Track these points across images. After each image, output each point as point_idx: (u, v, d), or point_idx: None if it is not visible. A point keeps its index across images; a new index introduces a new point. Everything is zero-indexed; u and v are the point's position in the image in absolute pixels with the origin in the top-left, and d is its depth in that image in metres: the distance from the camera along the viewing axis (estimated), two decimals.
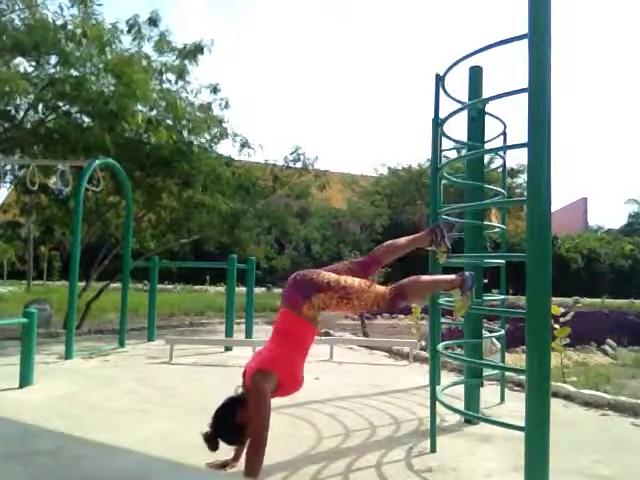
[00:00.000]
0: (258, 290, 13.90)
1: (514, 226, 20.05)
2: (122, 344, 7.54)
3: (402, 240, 3.16)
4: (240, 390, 2.74)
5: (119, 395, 4.65)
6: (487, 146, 4.38)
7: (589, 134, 74.46)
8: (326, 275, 2.73)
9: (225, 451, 2.76)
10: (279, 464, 3.03)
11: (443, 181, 4.19)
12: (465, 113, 4.13)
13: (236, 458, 2.82)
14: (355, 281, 2.75)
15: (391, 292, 2.75)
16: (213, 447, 2.58)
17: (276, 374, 2.60)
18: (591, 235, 31.63)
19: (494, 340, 5.99)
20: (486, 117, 4.23)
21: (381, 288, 2.78)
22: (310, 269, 2.88)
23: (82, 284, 8.57)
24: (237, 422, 2.57)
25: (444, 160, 4.91)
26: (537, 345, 2.56)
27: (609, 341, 8.08)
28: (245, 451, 2.55)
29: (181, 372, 5.79)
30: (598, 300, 19.22)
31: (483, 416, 3.84)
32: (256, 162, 10.71)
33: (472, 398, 4.05)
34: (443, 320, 5.60)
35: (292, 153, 10.40)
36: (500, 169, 4.92)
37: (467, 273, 3.01)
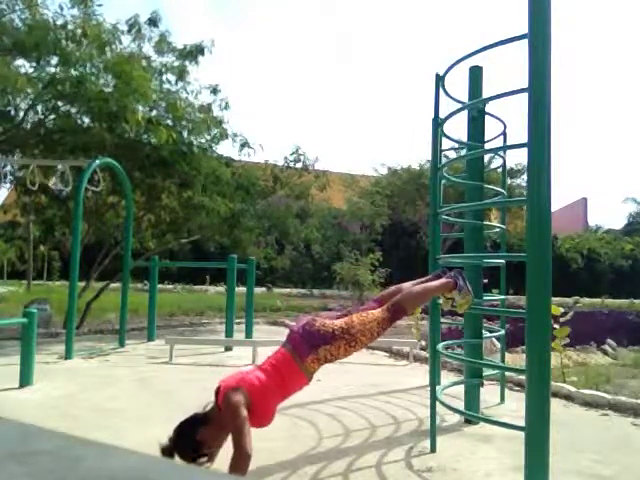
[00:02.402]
0: (258, 290, 13.90)
1: (514, 226, 20.05)
2: (122, 344, 7.54)
3: (428, 287, 3.03)
4: (209, 407, 2.65)
5: (119, 395, 4.65)
6: (487, 146, 4.38)
7: (589, 134, 74.49)
8: (330, 324, 2.70)
9: None
10: (279, 464, 3.03)
11: (443, 181, 4.19)
12: (465, 113, 4.13)
13: (210, 459, 2.78)
14: (354, 319, 2.72)
15: (389, 311, 2.74)
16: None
17: (250, 398, 2.52)
18: (591, 235, 31.62)
19: (494, 340, 6.00)
20: (486, 117, 4.23)
21: (378, 312, 2.73)
22: (317, 317, 2.81)
23: (82, 284, 8.57)
24: (197, 439, 2.51)
25: (444, 160, 4.92)
26: (537, 345, 2.56)
27: (609, 341, 8.09)
28: (230, 465, 2.51)
29: (181, 372, 5.79)
30: (598, 300, 19.22)
31: (483, 416, 3.84)
32: (256, 162, 10.72)
33: (472, 398, 4.05)
34: (443, 320, 5.60)
35: (292, 153, 10.41)
36: (500, 169, 4.92)
37: (455, 273, 2.99)
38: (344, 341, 2.63)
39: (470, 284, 3.01)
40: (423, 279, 3.24)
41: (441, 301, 3.25)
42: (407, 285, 3.09)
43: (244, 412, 2.48)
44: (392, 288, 3.11)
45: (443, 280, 2.99)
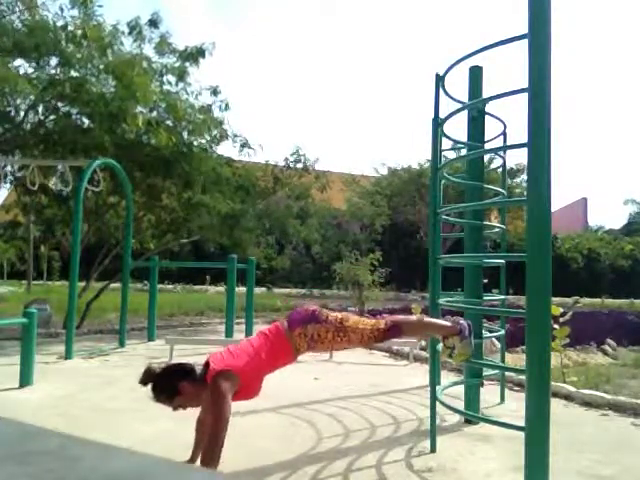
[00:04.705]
0: (258, 290, 13.89)
1: (514, 226, 20.04)
2: (122, 344, 7.54)
3: (433, 322, 3.13)
4: (200, 371, 2.74)
5: (119, 395, 4.65)
6: (487, 146, 4.38)
7: (589, 134, 74.43)
8: (326, 311, 2.87)
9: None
10: (279, 464, 3.03)
11: (443, 181, 4.19)
12: (465, 113, 4.13)
13: (192, 461, 2.80)
14: (351, 315, 2.91)
15: (387, 324, 2.82)
16: (143, 381, 2.67)
17: (239, 377, 2.63)
18: (591, 235, 31.57)
19: (494, 340, 5.99)
20: (486, 117, 4.23)
21: (376, 321, 2.85)
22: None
23: (82, 284, 8.57)
24: (176, 387, 2.63)
25: (444, 160, 4.92)
26: (537, 345, 2.56)
27: (609, 341, 8.08)
28: (202, 450, 2.62)
29: None
30: (598, 300, 19.20)
31: (483, 416, 3.84)
32: (257, 162, 10.72)
33: (472, 398, 4.05)
34: None
35: (293, 154, 10.40)
36: (500, 169, 4.92)
37: (464, 322, 3.04)
38: (334, 328, 2.75)
39: (473, 339, 3.05)
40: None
41: (440, 348, 3.27)
42: (432, 322, 3.17)
43: (229, 401, 2.57)
44: (416, 318, 3.24)
45: (449, 323, 3.05)
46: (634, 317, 11.11)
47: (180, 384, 2.63)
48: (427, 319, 3.12)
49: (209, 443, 2.54)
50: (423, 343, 7.17)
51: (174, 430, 3.59)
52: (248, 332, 8.45)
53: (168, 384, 2.65)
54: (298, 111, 72.92)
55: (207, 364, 2.69)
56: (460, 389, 4.19)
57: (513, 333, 6.60)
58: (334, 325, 2.75)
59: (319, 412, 4.19)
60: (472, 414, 3.79)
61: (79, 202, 6.73)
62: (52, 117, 8.54)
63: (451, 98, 3.82)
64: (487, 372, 4.45)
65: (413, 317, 3.10)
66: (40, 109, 8.40)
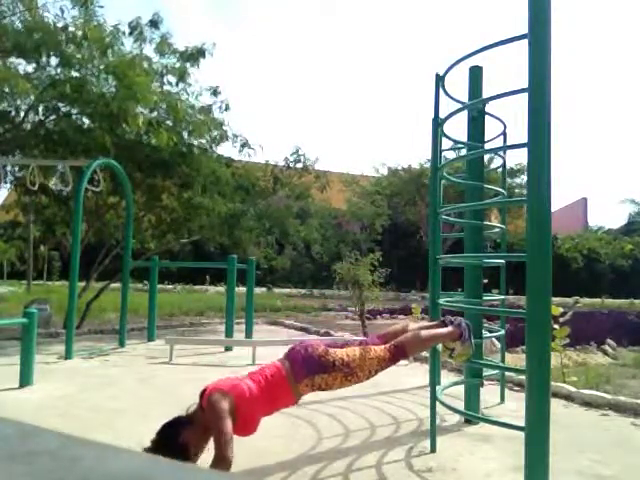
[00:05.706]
0: (258, 290, 13.90)
1: (514, 226, 20.04)
2: (122, 344, 7.54)
3: (434, 334, 3.04)
4: (192, 409, 2.60)
5: (119, 395, 4.65)
6: (487, 146, 4.38)
7: (589, 134, 74.45)
8: (332, 354, 2.73)
9: None
10: (279, 464, 3.03)
11: (443, 181, 4.19)
12: (465, 113, 4.13)
13: (193, 461, 2.74)
14: (356, 352, 2.76)
15: (391, 351, 2.79)
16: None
17: (234, 403, 2.49)
18: (591, 235, 31.58)
19: (494, 340, 6.00)
20: (486, 117, 4.23)
21: (380, 350, 2.78)
22: (320, 343, 2.84)
23: (82, 284, 8.57)
24: (180, 442, 2.46)
25: (444, 160, 4.92)
26: (537, 345, 2.56)
27: (609, 341, 8.08)
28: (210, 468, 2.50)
29: (181, 372, 5.79)
30: (598, 300, 19.22)
31: (483, 416, 3.84)
32: (257, 162, 10.72)
33: (472, 398, 4.05)
34: None
35: (293, 154, 10.40)
36: (500, 169, 4.92)
37: (463, 323, 3.02)
38: (342, 373, 2.68)
39: (473, 340, 3.05)
40: (428, 324, 3.26)
41: (440, 349, 3.27)
42: (414, 326, 3.14)
43: (228, 416, 2.45)
44: (398, 326, 3.16)
45: (450, 329, 3.02)
46: (634, 317, 11.12)
47: (181, 439, 2.46)
48: (424, 333, 2.98)
49: (217, 465, 2.36)
50: None
51: None
52: (248, 332, 8.45)
53: (173, 447, 2.43)
54: (298, 111, 72.96)
55: (202, 394, 2.57)
56: (460, 389, 4.19)
57: (513, 333, 6.60)
58: (342, 371, 2.67)
59: (319, 412, 4.19)
60: (472, 414, 3.79)
61: (79, 202, 6.73)
62: (52, 117, 8.54)
63: (451, 98, 3.82)
64: (487, 372, 4.45)
65: (412, 334, 2.94)
66: (40, 109, 8.39)
